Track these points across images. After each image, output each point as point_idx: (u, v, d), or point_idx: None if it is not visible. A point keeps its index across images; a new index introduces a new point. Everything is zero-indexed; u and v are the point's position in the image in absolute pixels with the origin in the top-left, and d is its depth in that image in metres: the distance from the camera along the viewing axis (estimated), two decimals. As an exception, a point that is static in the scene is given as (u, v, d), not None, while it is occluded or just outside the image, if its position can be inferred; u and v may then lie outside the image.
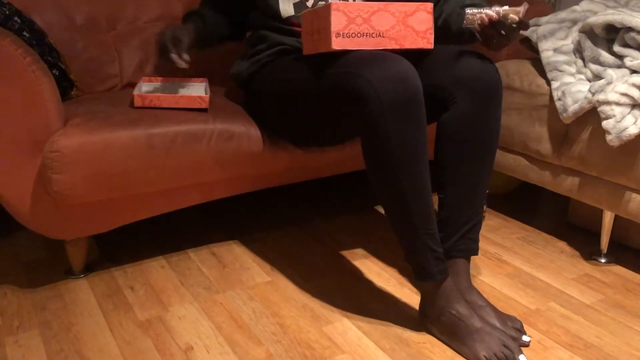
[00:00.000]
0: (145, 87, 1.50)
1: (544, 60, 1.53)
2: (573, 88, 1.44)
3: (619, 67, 1.40)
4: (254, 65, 1.41)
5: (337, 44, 1.10)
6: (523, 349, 1.15)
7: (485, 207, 1.80)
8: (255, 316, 1.25)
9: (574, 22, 1.59)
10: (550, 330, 1.22)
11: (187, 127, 1.32)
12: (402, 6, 1.12)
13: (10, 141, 1.21)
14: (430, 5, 1.14)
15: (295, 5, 1.35)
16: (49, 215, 1.28)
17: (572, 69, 1.50)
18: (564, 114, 1.44)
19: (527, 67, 1.63)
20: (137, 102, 1.37)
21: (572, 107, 1.42)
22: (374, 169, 1.11)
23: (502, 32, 1.10)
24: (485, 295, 1.34)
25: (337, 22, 1.09)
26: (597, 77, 1.43)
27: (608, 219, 1.49)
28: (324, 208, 1.86)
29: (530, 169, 1.62)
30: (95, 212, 1.32)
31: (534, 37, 1.60)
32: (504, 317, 1.17)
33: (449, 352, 1.14)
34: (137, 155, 1.27)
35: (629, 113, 1.32)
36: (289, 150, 1.46)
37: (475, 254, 1.23)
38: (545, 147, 1.55)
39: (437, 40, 1.34)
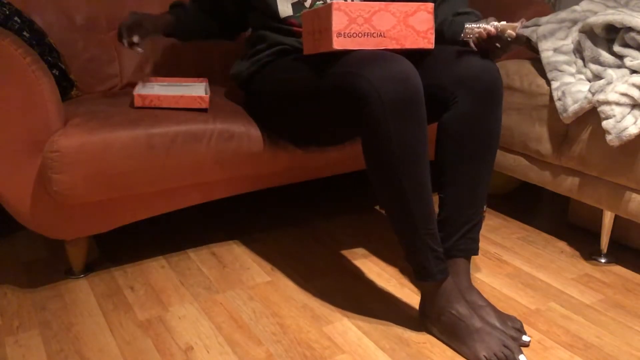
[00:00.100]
0: (145, 87, 1.50)
1: (544, 60, 1.53)
2: (573, 88, 1.44)
3: (619, 67, 1.40)
4: (253, 65, 1.41)
5: (338, 44, 1.10)
6: (523, 349, 1.15)
7: (485, 207, 1.80)
8: (255, 316, 1.25)
9: (574, 22, 1.59)
10: (550, 330, 1.22)
11: (187, 127, 1.32)
12: (403, 6, 1.12)
13: (10, 141, 1.21)
14: (431, 5, 1.14)
15: (293, 5, 1.35)
16: (49, 215, 1.28)
17: (572, 69, 1.50)
18: (564, 114, 1.44)
19: (527, 67, 1.63)
20: (137, 102, 1.37)
21: (572, 107, 1.42)
22: (375, 169, 1.11)
23: (498, 45, 1.15)
24: (485, 295, 1.34)
25: (338, 21, 1.09)
26: (597, 77, 1.43)
27: (608, 219, 1.49)
28: (324, 208, 1.86)
29: (530, 169, 1.62)
30: (95, 212, 1.32)
31: (534, 37, 1.60)
32: (504, 317, 1.17)
33: (449, 352, 1.14)
34: (137, 155, 1.27)
35: (629, 113, 1.32)
36: (289, 150, 1.46)
37: (476, 253, 1.23)
38: (545, 147, 1.55)
39: None
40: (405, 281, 1.41)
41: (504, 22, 1.13)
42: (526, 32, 1.63)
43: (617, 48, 1.40)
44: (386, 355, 1.12)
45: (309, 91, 1.21)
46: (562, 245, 1.63)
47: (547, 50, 1.55)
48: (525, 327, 1.22)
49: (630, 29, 1.37)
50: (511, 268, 1.49)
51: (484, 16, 1.34)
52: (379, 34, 1.12)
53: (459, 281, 1.20)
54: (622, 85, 1.32)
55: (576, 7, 1.61)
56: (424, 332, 1.19)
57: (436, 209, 1.16)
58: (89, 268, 1.44)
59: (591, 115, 1.42)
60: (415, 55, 1.26)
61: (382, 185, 1.11)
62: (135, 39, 1.33)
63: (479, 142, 1.19)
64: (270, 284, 1.38)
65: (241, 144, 1.38)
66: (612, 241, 1.64)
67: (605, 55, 1.42)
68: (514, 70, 1.65)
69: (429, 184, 1.11)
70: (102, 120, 1.27)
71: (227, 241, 1.61)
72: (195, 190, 1.42)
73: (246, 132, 1.39)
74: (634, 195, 1.37)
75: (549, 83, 1.53)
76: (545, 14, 1.83)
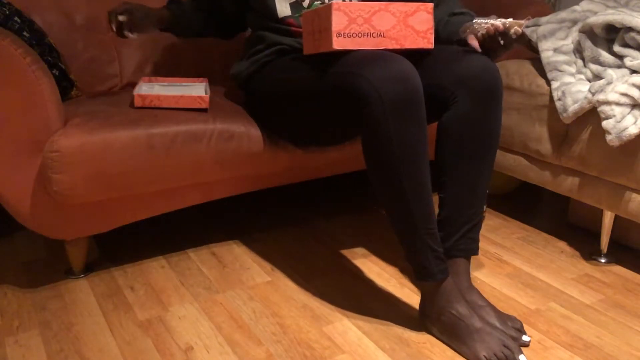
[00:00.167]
0: (145, 87, 1.50)
1: (544, 60, 1.53)
2: (573, 88, 1.44)
3: (619, 67, 1.40)
4: (253, 65, 1.41)
5: (338, 44, 1.10)
6: (523, 349, 1.15)
7: (485, 207, 1.80)
8: (255, 316, 1.25)
9: (574, 22, 1.59)
10: (550, 330, 1.22)
11: (187, 127, 1.32)
12: (403, 6, 1.12)
13: (10, 141, 1.21)
14: (430, 5, 1.14)
15: (291, 5, 1.35)
16: (49, 215, 1.28)
17: (572, 69, 1.50)
18: (564, 114, 1.44)
19: (527, 67, 1.63)
20: (137, 102, 1.37)
21: (572, 107, 1.42)
22: (375, 169, 1.11)
23: (502, 42, 1.16)
24: (485, 295, 1.34)
25: (338, 22, 1.09)
26: (597, 77, 1.43)
27: (608, 219, 1.49)
28: (324, 208, 1.86)
29: (530, 169, 1.62)
30: (95, 212, 1.32)
31: (534, 37, 1.60)
32: (504, 317, 1.17)
33: (449, 352, 1.14)
34: (137, 155, 1.27)
35: (629, 113, 1.32)
36: (289, 150, 1.46)
37: (476, 253, 1.23)
38: (545, 147, 1.55)
39: None
40: (405, 281, 1.41)
41: (510, 19, 1.14)
42: (526, 32, 1.63)
43: (617, 48, 1.40)
44: (386, 355, 1.12)
45: (309, 91, 1.21)
46: (562, 245, 1.63)
47: (547, 50, 1.55)
48: (525, 327, 1.22)
49: (630, 29, 1.37)
50: (511, 268, 1.49)
51: (482, 16, 1.34)
52: (378, 34, 1.12)
53: (459, 281, 1.20)
54: (622, 85, 1.32)
55: (576, 7, 1.61)
56: (424, 332, 1.19)
57: (436, 209, 1.16)
58: (89, 268, 1.44)
59: (591, 115, 1.42)
60: (415, 55, 1.26)
61: (382, 185, 1.11)
62: (121, 17, 1.32)
63: (479, 142, 1.19)
64: (270, 284, 1.38)
65: (241, 144, 1.38)
66: (612, 241, 1.64)
67: (605, 55, 1.42)
68: (514, 70, 1.65)
69: (429, 184, 1.11)
70: (102, 120, 1.27)
71: (227, 241, 1.61)
72: (195, 190, 1.42)
73: (246, 132, 1.39)
74: (634, 195, 1.37)
75: (549, 83, 1.53)
76: (545, 14, 1.83)
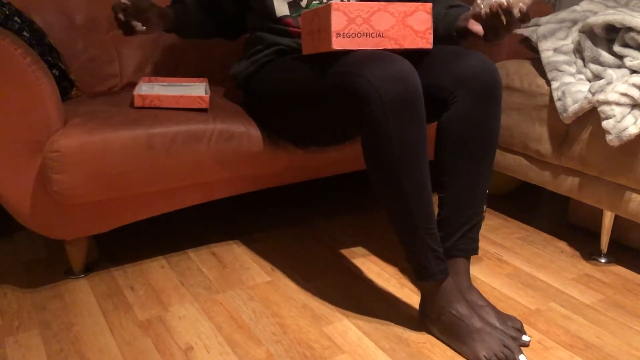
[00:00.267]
0: (145, 87, 1.50)
1: (544, 60, 1.53)
2: (573, 88, 1.44)
3: (619, 67, 1.40)
4: (252, 65, 1.41)
5: (337, 44, 1.10)
6: (523, 349, 1.15)
7: (485, 207, 1.79)
8: (255, 316, 1.25)
9: (574, 22, 1.59)
10: (550, 330, 1.22)
11: (187, 127, 1.32)
12: (402, 6, 1.12)
13: (10, 141, 1.21)
14: (429, 5, 1.14)
15: (290, 4, 1.35)
16: (49, 215, 1.28)
17: (572, 69, 1.50)
18: (564, 114, 1.44)
19: (527, 67, 1.63)
20: (137, 102, 1.37)
21: (572, 107, 1.42)
22: (375, 169, 1.11)
23: (504, 21, 1.13)
24: (485, 295, 1.34)
25: (337, 22, 1.09)
26: (597, 77, 1.43)
27: (608, 219, 1.49)
28: (324, 208, 1.86)
29: (530, 169, 1.62)
30: (95, 212, 1.32)
31: (534, 37, 1.60)
32: (504, 317, 1.17)
33: (449, 352, 1.14)
34: (137, 155, 1.27)
35: (629, 113, 1.32)
36: (289, 150, 1.46)
37: (476, 253, 1.23)
38: (545, 147, 1.55)
39: None
40: (405, 281, 1.41)
41: None
42: (526, 32, 1.63)
43: (617, 48, 1.40)
44: (386, 355, 1.12)
45: (309, 91, 1.21)
46: (562, 245, 1.63)
47: (547, 50, 1.55)
48: (525, 327, 1.22)
49: (630, 29, 1.37)
50: (511, 268, 1.49)
51: None
52: (377, 34, 1.12)
53: (459, 281, 1.20)
54: (622, 85, 1.32)
55: (576, 7, 1.61)
56: (424, 332, 1.19)
57: (436, 209, 1.16)
58: (89, 268, 1.44)
59: (591, 115, 1.42)
60: (414, 55, 1.26)
61: (382, 185, 1.11)
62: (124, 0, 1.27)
63: (479, 141, 1.19)
64: (270, 284, 1.38)
65: (241, 144, 1.38)
66: (612, 241, 1.64)
67: (605, 55, 1.42)
68: (514, 70, 1.65)
69: (429, 184, 1.11)
70: (102, 120, 1.27)
71: (227, 241, 1.61)
72: (195, 190, 1.42)
73: (246, 132, 1.39)
74: (634, 195, 1.37)
75: (549, 83, 1.53)
76: (545, 14, 1.83)
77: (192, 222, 1.74)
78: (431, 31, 1.15)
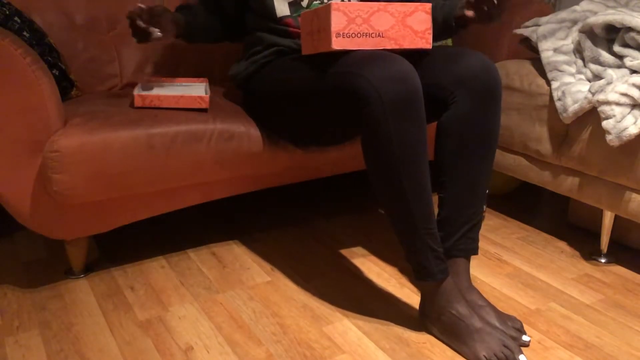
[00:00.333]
0: (145, 87, 1.50)
1: (544, 60, 1.53)
2: (573, 88, 1.44)
3: (619, 67, 1.40)
4: (252, 66, 1.41)
5: (337, 44, 1.10)
6: (523, 349, 1.15)
7: (485, 207, 1.80)
8: (255, 316, 1.25)
9: (574, 22, 1.59)
10: (550, 330, 1.22)
11: (187, 127, 1.32)
12: (401, 6, 1.13)
13: (10, 141, 1.21)
14: (429, 5, 1.14)
15: (290, 4, 1.35)
16: (49, 215, 1.28)
17: (572, 69, 1.50)
18: (564, 114, 1.44)
19: (527, 67, 1.63)
20: (137, 102, 1.37)
21: (572, 107, 1.42)
22: (375, 169, 1.11)
23: (495, 1, 1.14)
24: (485, 295, 1.34)
25: (337, 22, 1.09)
26: (597, 77, 1.43)
27: (608, 219, 1.49)
28: (324, 208, 1.86)
29: (530, 169, 1.62)
30: (95, 212, 1.32)
31: (534, 37, 1.60)
32: (504, 317, 1.17)
33: (449, 352, 1.14)
34: (137, 155, 1.27)
35: (629, 113, 1.32)
36: (289, 150, 1.46)
37: (475, 253, 1.23)
38: (545, 147, 1.55)
39: None
40: (405, 281, 1.41)
41: None
42: (526, 32, 1.63)
43: (617, 48, 1.40)
44: (386, 355, 1.12)
45: (309, 91, 1.21)
46: (562, 245, 1.63)
47: (547, 50, 1.55)
48: (525, 327, 1.22)
49: (630, 29, 1.37)
50: (511, 268, 1.49)
51: None
52: (377, 34, 1.12)
53: (459, 281, 1.20)
54: (622, 85, 1.32)
55: (576, 7, 1.61)
56: (424, 332, 1.19)
57: (436, 209, 1.16)
58: (89, 268, 1.44)
59: (591, 115, 1.42)
60: (414, 56, 1.26)
61: (382, 185, 1.11)
62: (143, 5, 1.26)
63: (479, 141, 1.19)
64: (270, 284, 1.38)
65: (241, 144, 1.38)
66: (612, 241, 1.64)
67: (605, 55, 1.42)
68: (514, 70, 1.65)
69: (429, 184, 1.11)
70: (102, 120, 1.27)
71: (227, 241, 1.61)
72: (195, 190, 1.42)
73: (246, 132, 1.39)
74: (634, 195, 1.37)
75: (549, 83, 1.53)
76: (545, 14, 1.83)
77: (192, 222, 1.74)
78: (431, 31, 1.16)
